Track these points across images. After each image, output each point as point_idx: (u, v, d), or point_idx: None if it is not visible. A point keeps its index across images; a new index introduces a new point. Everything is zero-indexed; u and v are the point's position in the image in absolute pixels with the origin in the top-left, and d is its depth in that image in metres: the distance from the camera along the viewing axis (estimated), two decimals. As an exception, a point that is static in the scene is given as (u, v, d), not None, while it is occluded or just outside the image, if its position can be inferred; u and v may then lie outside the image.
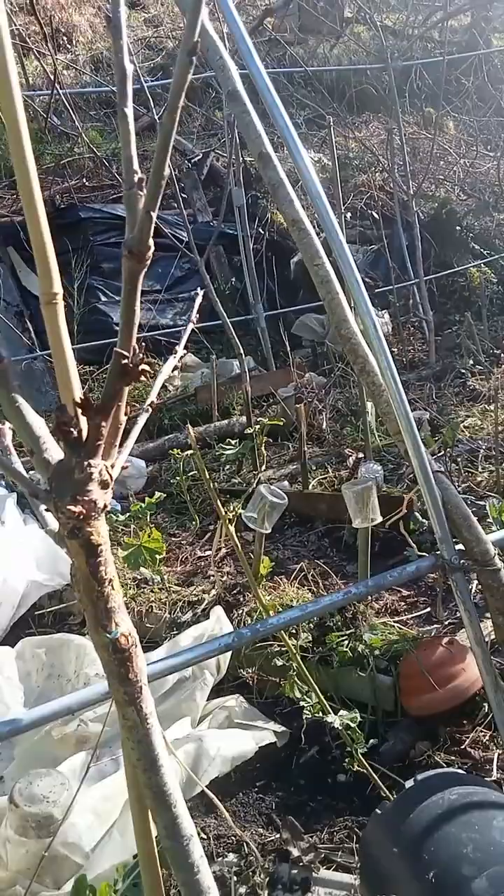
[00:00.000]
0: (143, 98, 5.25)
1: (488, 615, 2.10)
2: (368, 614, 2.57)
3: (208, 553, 3.26)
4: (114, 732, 2.19)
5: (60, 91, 5.67)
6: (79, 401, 0.72)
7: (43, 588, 3.12)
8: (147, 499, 2.65)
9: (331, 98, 7.82)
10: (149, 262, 0.71)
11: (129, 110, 0.68)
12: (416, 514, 2.95)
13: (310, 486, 3.64)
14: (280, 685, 2.10)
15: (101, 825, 1.97)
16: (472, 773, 2.06)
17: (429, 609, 2.70)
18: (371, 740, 2.02)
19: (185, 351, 0.97)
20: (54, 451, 0.77)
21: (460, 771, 1.98)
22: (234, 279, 6.43)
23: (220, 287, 6.21)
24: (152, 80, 6.59)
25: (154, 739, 0.88)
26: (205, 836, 2.04)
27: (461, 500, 1.68)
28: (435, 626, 2.61)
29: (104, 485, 0.76)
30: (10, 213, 6.03)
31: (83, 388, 0.72)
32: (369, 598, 2.72)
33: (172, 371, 5.16)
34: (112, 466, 0.78)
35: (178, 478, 3.24)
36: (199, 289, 1.21)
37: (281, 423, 2.89)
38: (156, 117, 5.10)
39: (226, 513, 1.71)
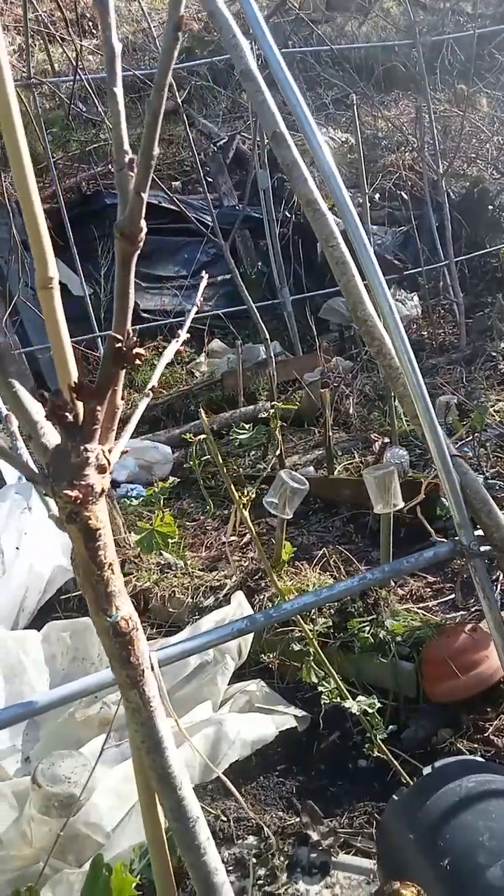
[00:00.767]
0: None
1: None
2: (391, 600, 2.55)
3: (233, 538, 3.26)
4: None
5: (84, 77, 5.66)
6: (73, 384, 0.72)
7: (68, 573, 3.16)
8: (161, 483, 2.66)
9: (359, 77, 7.68)
10: (141, 243, 0.70)
11: (119, 90, 0.67)
12: (443, 499, 2.91)
13: (335, 472, 3.61)
14: (300, 671, 2.10)
15: (123, 806, 2.00)
16: (495, 762, 2.04)
17: (454, 596, 2.67)
18: (392, 726, 2.01)
19: (188, 335, 0.96)
20: (52, 436, 0.77)
21: (479, 759, 1.96)
22: (260, 263, 6.38)
23: (247, 271, 6.17)
24: (178, 65, 6.53)
25: (157, 722, 0.88)
26: (225, 819, 2.06)
27: (480, 485, 1.65)
28: (460, 613, 2.58)
29: (101, 469, 0.76)
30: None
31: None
32: (393, 584, 2.70)
33: (198, 357, 5.14)
34: (110, 451, 0.78)
35: (192, 461, 3.24)
36: (204, 273, 1.20)
37: (296, 407, 2.87)
38: (179, 101, 5.06)
39: (240, 497, 1.70)
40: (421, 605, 2.62)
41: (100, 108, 6.02)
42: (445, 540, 1.83)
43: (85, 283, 5.45)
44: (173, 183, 6.50)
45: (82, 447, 0.74)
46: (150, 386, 0.94)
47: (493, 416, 3.93)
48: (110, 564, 0.80)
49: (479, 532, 1.68)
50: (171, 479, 2.85)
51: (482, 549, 1.67)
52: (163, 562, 3.10)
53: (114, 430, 0.79)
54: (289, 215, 6.19)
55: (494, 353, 4.98)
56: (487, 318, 5.66)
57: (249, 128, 6.27)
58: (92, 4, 8.42)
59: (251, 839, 2.00)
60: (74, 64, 5.73)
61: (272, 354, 4.04)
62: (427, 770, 1.63)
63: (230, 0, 1.74)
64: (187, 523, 3.54)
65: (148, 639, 0.95)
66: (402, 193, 6.66)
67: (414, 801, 1.57)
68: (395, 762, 1.94)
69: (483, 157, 7.57)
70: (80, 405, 0.74)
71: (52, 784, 1.93)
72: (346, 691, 1.92)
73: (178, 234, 6.03)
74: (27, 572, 3.04)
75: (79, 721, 2.33)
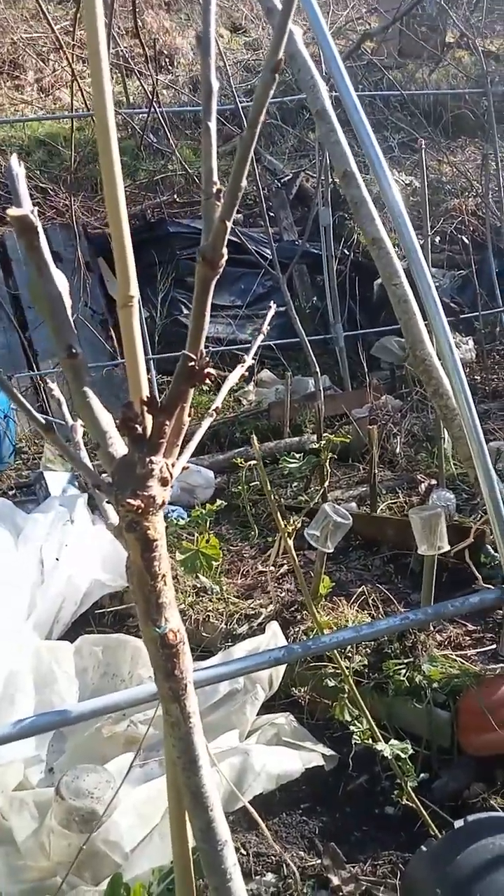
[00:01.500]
0: (239, 119, 5.37)
1: None
2: (429, 645, 2.49)
3: (270, 568, 3.25)
4: (162, 736, 2.21)
5: (158, 110, 5.88)
6: (145, 399, 0.75)
7: (105, 588, 3.19)
8: (208, 506, 2.68)
9: (427, 122, 7.79)
10: (221, 269, 0.73)
11: (213, 124, 0.71)
12: (489, 546, 2.85)
13: (378, 510, 3.58)
14: (332, 708, 2.07)
15: (143, 827, 1.98)
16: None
17: (495, 646, 2.61)
18: (423, 775, 1.96)
19: (252, 360, 0.99)
20: (119, 447, 0.79)
21: (514, 817, 1.89)
22: (315, 298, 6.45)
23: (301, 305, 6.24)
24: (247, 101, 6.74)
25: (195, 738, 0.89)
26: (244, 853, 2.03)
27: (532, 533, 1.62)
28: (501, 664, 2.51)
29: (164, 482, 0.78)
30: (102, 226, 6.28)
31: (161, 396, 0.75)
32: (431, 628, 2.64)
33: (247, 385, 5.21)
34: (173, 465, 0.80)
35: (240, 487, 3.26)
36: (272, 303, 1.23)
37: (349, 440, 2.87)
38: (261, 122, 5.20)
39: (285, 525, 1.71)
40: (459, 652, 2.56)
41: (170, 140, 6.24)
42: (491, 587, 1.79)
43: (142, 306, 5.58)
44: (235, 215, 6.65)
45: (148, 459, 0.76)
46: (214, 406, 0.96)
47: (543, 465, 3.86)
48: (163, 576, 0.82)
49: (527, 581, 1.65)
50: (219, 501, 2.87)
51: (529, 598, 1.63)
52: (199, 585, 3.10)
53: (178, 445, 0.82)
54: (347, 253, 6.26)
55: (548, 402, 4.91)
56: (542, 366, 5.59)
57: (314, 166, 6.40)
58: (169, 43, 8.78)
59: (270, 876, 1.96)
60: (150, 97, 5.96)
61: (321, 388, 4.06)
62: (459, 823, 1.59)
63: (307, 42, 1.80)
64: (226, 550, 3.55)
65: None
66: (463, 238, 6.68)
67: (443, 855, 1.52)
68: (423, 812, 1.89)
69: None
70: (149, 419, 0.76)
71: (76, 797, 1.93)
72: (378, 733, 1.88)
73: (236, 265, 6.15)
74: (65, 583, 3.08)
75: (105, 737, 2.34)
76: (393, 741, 1.83)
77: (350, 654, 2.36)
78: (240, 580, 3.26)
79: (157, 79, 6.46)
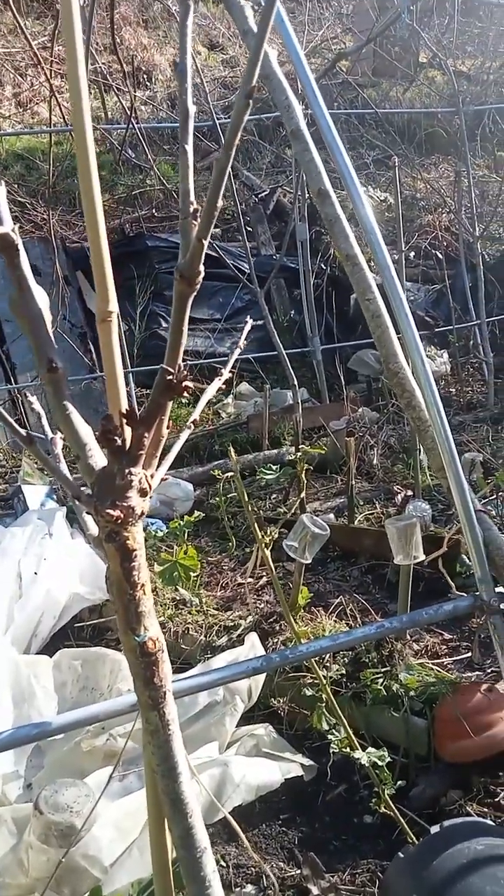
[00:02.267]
0: (216, 135, 5.44)
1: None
2: (406, 654, 2.52)
3: (249, 580, 3.27)
4: (141, 749, 2.20)
5: (136, 126, 5.93)
6: (125, 411, 0.77)
7: (84, 601, 3.18)
8: (186, 517, 2.69)
9: (401, 139, 7.94)
10: (198, 286, 0.76)
11: (190, 147, 0.74)
12: (464, 556, 2.90)
13: (356, 521, 3.62)
14: (310, 718, 2.08)
15: (122, 840, 1.97)
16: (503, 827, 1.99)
17: (470, 654, 2.64)
18: (400, 782, 1.98)
19: (230, 374, 1.01)
20: (99, 459, 0.81)
21: (489, 822, 1.91)
22: (293, 312, 6.52)
23: (279, 319, 6.30)
24: (225, 118, 6.82)
25: (174, 746, 0.90)
26: (224, 865, 2.03)
27: (504, 542, 1.66)
28: (476, 672, 2.54)
29: (143, 492, 0.80)
30: (80, 240, 6.30)
31: (140, 409, 0.77)
32: (408, 637, 2.68)
33: (225, 398, 5.23)
34: (151, 476, 0.82)
35: (217, 498, 3.28)
36: (249, 317, 1.25)
37: (324, 451, 2.90)
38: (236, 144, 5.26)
39: (262, 536, 1.73)
40: (436, 661, 2.59)
41: (149, 155, 6.29)
42: (466, 595, 1.83)
43: (121, 320, 5.60)
44: (214, 230, 6.71)
45: (127, 470, 0.78)
46: (192, 419, 0.98)
47: (517, 475, 3.92)
48: (143, 585, 0.84)
49: (501, 589, 1.68)
50: (197, 513, 2.88)
51: (503, 605, 1.67)
52: (178, 597, 3.10)
53: (157, 456, 0.84)
54: (324, 267, 6.35)
55: (521, 414, 5.00)
56: (516, 379, 5.70)
57: (291, 182, 6.49)
58: (148, 59, 8.86)
59: (250, 888, 1.96)
60: (128, 113, 6.01)
61: (299, 401, 4.10)
62: (435, 829, 1.61)
63: (282, 62, 1.85)
64: (205, 563, 3.55)
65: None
66: (437, 253, 6.80)
67: (420, 860, 1.54)
68: (401, 820, 1.91)
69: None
70: (128, 431, 0.78)
71: (54, 812, 1.92)
72: (355, 742, 1.90)
73: (214, 279, 6.20)
74: (44, 597, 3.06)
75: (84, 751, 2.32)
76: (370, 749, 1.85)
77: (328, 664, 2.38)
78: (219, 592, 3.27)
79: (134, 95, 6.51)
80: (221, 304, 6.42)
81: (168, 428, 0.84)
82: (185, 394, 0.79)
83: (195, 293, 0.78)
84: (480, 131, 7.96)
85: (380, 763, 1.78)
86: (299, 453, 2.49)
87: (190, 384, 0.77)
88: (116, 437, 0.76)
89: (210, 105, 5.18)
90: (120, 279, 5.78)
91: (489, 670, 2.53)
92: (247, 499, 1.70)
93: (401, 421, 4.87)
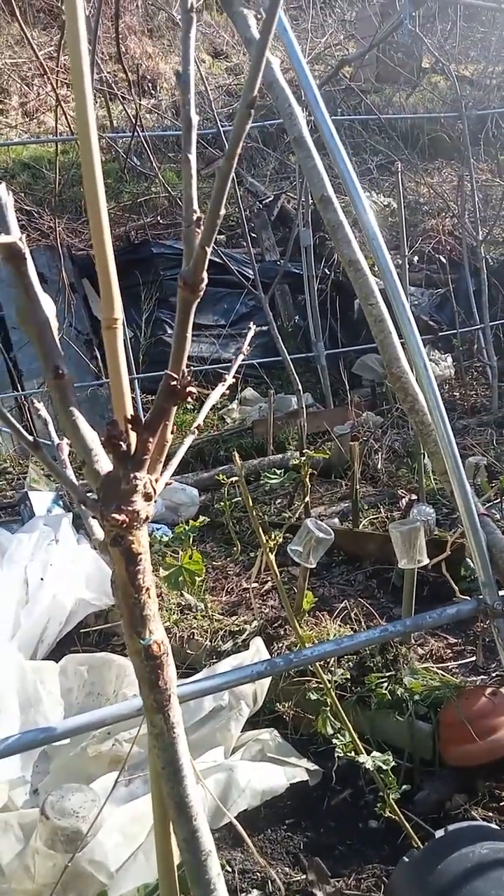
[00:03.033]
0: (220, 142, 5.47)
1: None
2: (411, 658, 2.52)
3: (254, 585, 3.27)
4: (147, 755, 2.21)
5: (142, 134, 5.97)
6: (129, 417, 0.78)
7: (90, 606, 3.19)
8: (191, 522, 2.70)
9: (404, 145, 7.97)
10: (201, 293, 0.77)
11: (193, 156, 0.75)
12: (468, 559, 2.90)
13: (360, 526, 3.62)
14: (315, 723, 2.08)
15: (128, 846, 1.98)
16: (510, 832, 1.98)
17: (475, 658, 2.64)
18: (405, 787, 1.98)
19: (234, 379, 1.02)
20: (104, 464, 0.82)
21: (494, 826, 1.91)
22: (297, 317, 6.54)
23: (283, 324, 6.33)
24: (229, 125, 6.86)
25: (179, 749, 0.91)
26: (230, 870, 2.03)
27: (507, 545, 1.66)
28: (481, 676, 2.54)
29: (147, 497, 0.81)
30: (86, 248, 6.34)
31: (145, 415, 0.78)
32: (413, 641, 2.68)
33: (230, 403, 5.25)
34: (156, 481, 0.83)
35: (222, 503, 3.29)
36: (252, 323, 1.27)
37: (329, 455, 2.91)
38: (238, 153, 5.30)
39: (267, 541, 1.73)
40: (440, 665, 2.59)
41: (153, 163, 6.32)
42: (469, 598, 1.83)
43: (126, 326, 5.62)
44: (218, 237, 6.75)
45: (132, 475, 0.79)
46: (196, 424, 0.99)
47: (522, 479, 3.92)
48: (147, 589, 0.84)
49: (504, 592, 1.69)
50: (202, 518, 2.89)
51: (506, 609, 1.67)
52: (183, 602, 3.11)
53: (161, 461, 0.85)
54: (328, 272, 6.37)
55: (526, 418, 5.00)
56: (520, 383, 5.70)
57: (295, 188, 6.52)
58: (152, 68, 8.92)
59: (255, 893, 1.96)
60: (133, 121, 6.05)
61: (304, 405, 4.12)
62: (440, 833, 1.60)
63: (285, 69, 1.87)
64: (210, 568, 3.56)
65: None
66: (441, 257, 6.82)
67: (425, 864, 1.54)
68: (406, 824, 1.90)
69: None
70: (133, 436, 0.79)
71: (61, 817, 1.93)
72: (360, 746, 1.90)
73: (219, 285, 6.23)
74: (50, 603, 3.08)
75: (90, 756, 2.33)
76: (375, 754, 1.85)
77: (333, 669, 2.38)
78: (224, 597, 3.27)
79: (139, 103, 6.55)
80: (226, 310, 6.44)
81: (172, 433, 0.85)
82: (190, 399, 0.80)
83: (199, 300, 0.79)
84: (483, 136, 7.99)
85: (384, 767, 1.78)
86: (304, 457, 2.49)
87: (194, 389, 0.78)
88: (122, 443, 0.77)
89: (214, 113, 5.22)
90: (125, 286, 5.81)
91: (494, 674, 2.53)
92: (252, 503, 1.71)
93: (405, 425, 4.87)
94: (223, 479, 2.91)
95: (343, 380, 5.64)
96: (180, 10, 0.77)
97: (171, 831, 1.04)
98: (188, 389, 0.78)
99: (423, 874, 1.50)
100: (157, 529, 3.88)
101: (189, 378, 0.79)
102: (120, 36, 6.64)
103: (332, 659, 2.40)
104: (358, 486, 3.51)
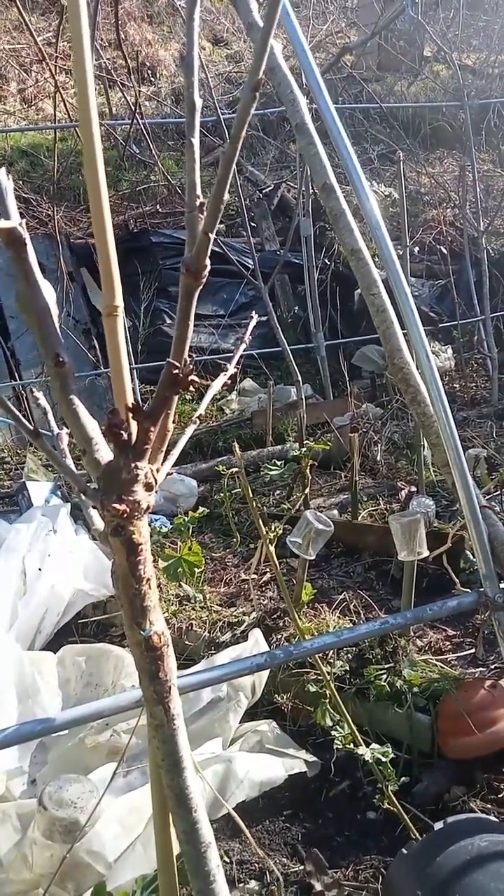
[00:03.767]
0: (220, 130, 5.42)
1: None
2: (410, 650, 2.52)
3: (253, 576, 3.27)
4: (145, 746, 2.21)
5: (141, 121, 5.92)
6: (130, 405, 0.76)
7: (88, 597, 3.18)
8: (190, 513, 2.69)
9: (405, 134, 7.91)
10: (204, 280, 0.75)
11: (196, 140, 0.73)
12: (468, 552, 2.89)
13: (360, 517, 3.62)
14: (314, 714, 2.08)
15: (126, 836, 1.98)
16: (508, 824, 1.99)
17: (474, 650, 2.64)
18: (404, 779, 1.98)
19: (235, 370, 1.01)
20: (104, 453, 0.81)
21: (493, 818, 1.91)
22: (297, 307, 6.51)
23: (283, 315, 6.30)
24: (230, 113, 6.80)
25: (179, 740, 0.90)
26: (228, 860, 2.03)
27: (509, 538, 1.65)
28: (480, 668, 2.54)
29: (148, 487, 0.80)
30: (85, 236, 6.29)
31: (144, 405, 0.77)
32: (412, 633, 2.67)
33: (229, 394, 5.23)
34: (157, 471, 0.82)
35: (220, 494, 3.27)
36: (254, 313, 1.25)
37: (328, 447, 2.90)
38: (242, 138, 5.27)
39: (266, 532, 1.72)
40: (440, 657, 2.59)
41: (153, 151, 6.28)
42: (470, 591, 1.82)
43: (125, 316, 5.57)
44: (218, 226, 6.70)
45: (133, 465, 0.78)
46: (197, 414, 0.98)
47: (522, 472, 3.92)
48: (148, 579, 0.83)
49: (505, 585, 1.68)
50: (201, 509, 2.88)
51: (506, 602, 1.66)
52: (182, 594, 3.11)
53: (163, 451, 0.83)
54: (328, 263, 6.33)
55: (526, 410, 4.99)
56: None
57: (295, 177, 6.47)
58: (152, 55, 8.84)
59: (253, 884, 1.96)
60: (133, 109, 6.00)
61: (303, 396, 4.10)
62: (439, 825, 1.61)
63: (287, 55, 1.84)
64: (208, 559, 3.56)
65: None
66: (442, 248, 6.78)
67: (423, 857, 1.54)
68: (405, 816, 1.90)
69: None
70: (134, 425, 0.78)
71: (59, 808, 1.93)
72: (359, 738, 1.90)
73: (218, 275, 6.20)
74: (48, 593, 3.07)
75: (88, 747, 2.33)
76: (374, 746, 1.85)
77: (332, 661, 2.38)
78: (223, 588, 3.27)
79: (139, 90, 6.49)
80: (225, 301, 6.41)
81: (173, 423, 0.84)
82: (191, 389, 0.78)
83: (201, 287, 0.78)
84: (485, 125, 7.93)
85: (383, 759, 1.78)
86: (303, 449, 2.48)
87: (196, 378, 0.77)
88: (122, 432, 0.76)
89: (214, 100, 5.16)
90: (124, 276, 5.77)
91: (493, 666, 2.53)
92: (251, 495, 1.70)
93: (405, 417, 4.86)
94: (222, 471, 2.89)
95: (343, 371, 5.62)
96: (183, -11, 0.75)
97: (170, 822, 1.04)
98: (190, 378, 0.77)
99: (422, 866, 1.50)
100: (156, 520, 3.88)
101: (191, 367, 0.77)
102: (119, 22, 6.57)
103: (331, 651, 2.40)
104: (357, 478, 3.49)
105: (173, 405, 0.80)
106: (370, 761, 1.83)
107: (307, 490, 2.94)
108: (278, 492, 4.15)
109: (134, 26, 9.10)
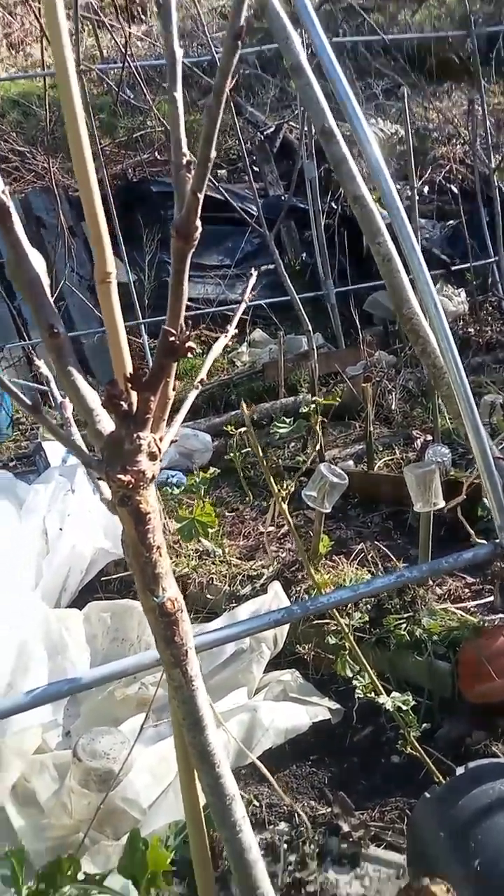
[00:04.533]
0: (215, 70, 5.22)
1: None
2: (429, 599, 2.54)
3: (271, 529, 3.29)
4: (172, 698, 2.27)
5: (133, 64, 5.70)
6: (129, 375, 0.75)
7: (109, 555, 3.23)
8: (202, 474, 2.69)
9: (410, 67, 7.57)
10: (195, 242, 0.73)
11: (179, 94, 0.70)
12: (484, 500, 2.88)
13: (375, 467, 3.61)
14: (334, 664, 2.12)
15: (158, 784, 2.05)
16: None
17: (493, 598, 2.65)
18: (426, 725, 2.01)
19: (235, 329, 0.99)
20: (106, 424, 0.80)
21: (514, 760, 1.95)
22: (304, 254, 6.36)
23: (290, 262, 6.16)
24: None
25: (199, 700, 0.92)
26: (257, 804, 2.10)
27: (524, 486, 1.63)
28: (500, 615, 2.56)
29: (152, 456, 0.79)
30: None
31: (151, 359, 0.75)
32: (431, 582, 2.69)
33: (239, 346, 5.16)
34: (160, 439, 0.81)
35: (233, 453, 3.27)
36: (253, 269, 1.22)
37: (338, 402, 2.86)
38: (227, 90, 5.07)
39: (278, 490, 1.72)
40: (459, 605, 2.60)
41: (147, 96, 6.07)
42: (486, 542, 1.82)
43: (130, 269, 5.48)
44: (219, 171, 6.52)
45: (135, 435, 0.77)
46: (199, 378, 0.96)
47: (539, 416, 3.86)
48: (158, 547, 0.84)
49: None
50: (212, 469, 2.88)
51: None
52: (201, 549, 3.14)
53: (165, 419, 0.82)
54: (335, 206, 6.16)
55: (543, 352, 4.89)
56: (536, 315, 5.56)
57: (297, 117, 6.25)
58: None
59: (283, 825, 2.03)
60: (123, 51, 5.77)
61: (314, 346, 4.03)
62: (461, 770, 1.64)
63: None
64: (226, 512, 3.58)
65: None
66: (452, 187, 6.56)
67: (446, 800, 1.58)
68: (427, 760, 1.95)
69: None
70: (134, 395, 0.77)
71: (92, 759, 2.00)
72: (380, 687, 1.93)
73: (222, 223, 6.05)
74: (70, 552, 3.12)
75: (118, 700, 2.40)
76: (395, 693, 1.88)
77: (350, 612, 2.41)
78: (241, 541, 3.30)
79: (129, 31, 6.24)
80: (231, 250, 6.28)
81: (179, 380, 0.82)
82: (190, 354, 0.77)
83: (202, 240, 0.75)
84: (495, 55, 7.55)
85: (404, 708, 1.81)
86: (312, 406, 2.45)
87: (193, 345, 0.75)
88: (122, 402, 0.75)
89: (208, 37, 4.95)
90: (126, 227, 5.66)
91: (513, 612, 2.54)
92: (261, 454, 1.69)
93: (419, 364, 4.78)
94: (231, 431, 2.87)
95: (354, 318, 5.51)
96: None
97: (195, 777, 1.07)
98: (188, 345, 0.75)
99: (446, 809, 1.54)
100: (172, 476, 3.90)
101: (188, 333, 0.75)
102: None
103: (350, 603, 2.42)
104: (372, 428, 3.47)
105: (172, 372, 0.79)
106: (391, 709, 1.86)
107: (318, 446, 2.92)
108: (293, 444, 4.14)
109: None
